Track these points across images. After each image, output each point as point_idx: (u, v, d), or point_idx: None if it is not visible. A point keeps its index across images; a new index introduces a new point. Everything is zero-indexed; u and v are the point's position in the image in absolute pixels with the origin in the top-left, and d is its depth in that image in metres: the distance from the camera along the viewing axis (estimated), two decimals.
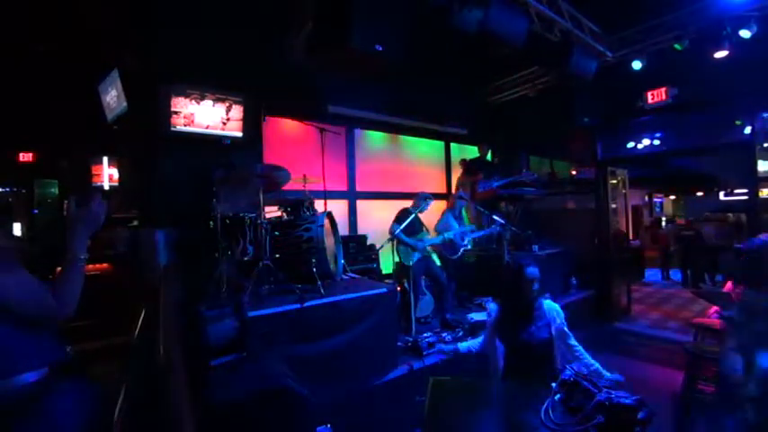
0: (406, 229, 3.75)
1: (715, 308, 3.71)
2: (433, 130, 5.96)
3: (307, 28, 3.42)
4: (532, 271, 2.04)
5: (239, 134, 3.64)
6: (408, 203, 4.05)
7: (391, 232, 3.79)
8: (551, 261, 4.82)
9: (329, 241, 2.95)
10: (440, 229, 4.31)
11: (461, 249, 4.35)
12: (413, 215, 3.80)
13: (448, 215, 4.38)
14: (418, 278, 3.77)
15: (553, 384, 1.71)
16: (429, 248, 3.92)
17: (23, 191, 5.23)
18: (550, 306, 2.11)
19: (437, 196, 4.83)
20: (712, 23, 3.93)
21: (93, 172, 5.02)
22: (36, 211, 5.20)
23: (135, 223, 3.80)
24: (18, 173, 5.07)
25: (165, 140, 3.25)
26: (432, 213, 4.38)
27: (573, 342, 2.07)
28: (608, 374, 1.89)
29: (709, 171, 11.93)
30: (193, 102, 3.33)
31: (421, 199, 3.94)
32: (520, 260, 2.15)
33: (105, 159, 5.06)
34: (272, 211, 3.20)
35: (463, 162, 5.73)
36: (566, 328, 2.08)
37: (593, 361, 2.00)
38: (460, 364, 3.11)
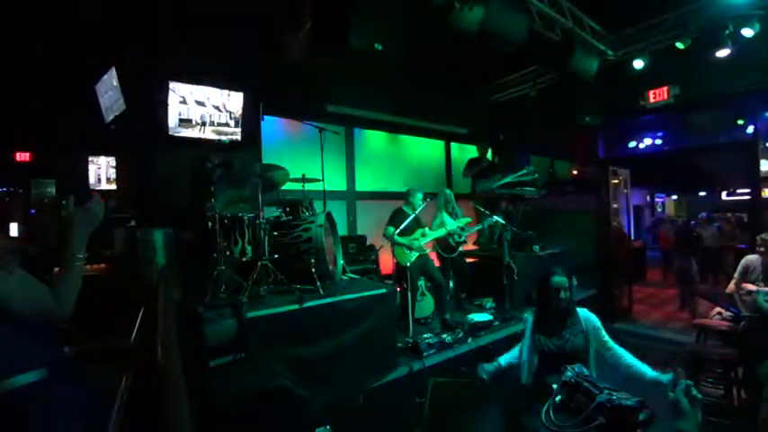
0: (402, 229, 3.72)
1: (717, 308, 3.70)
2: (433, 130, 5.94)
3: (306, 27, 3.41)
4: (558, 280, 2.06)
5: (238, 133, 3.63)
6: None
7: (385, 235, 3.77)
8: (552, 261, 4.80)
9: (328, 241, 2.94)
10: (435, 228, 4.29)
11: (458, 248, 4.34)
12: (412, 216, 3.78)
13: (442, 213, 4.37)
14: (416, 278, 3.76)
15: (554, 385, 1.70)
16: (425, 246, 3.90)
17: (20, 191, 5.22)
18: (586, 315, 2.11)
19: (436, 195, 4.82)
20: (714, 22, 3.90)
21: (91, 172, 5.02)
22: (33, 212, 5.19)
23: (133, 223, 3.80)
24: (15, 173, 5.06)
25: (163, 140, 3.24)
26: (431, 213, 4.37)
27: (616, 355, 2.03)
28: (653, 374, 1.86)
29: (710, 170, 11.92)
30: (192, 101, 3.32)
31: (415, 197, 3.88)
32: (549, 268, 2.17)
33: (103, 159, 5.05)
34: (270, 211, 3.19)
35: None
36: (605, 339, 2.06)
37: (633, 362, 1.97)
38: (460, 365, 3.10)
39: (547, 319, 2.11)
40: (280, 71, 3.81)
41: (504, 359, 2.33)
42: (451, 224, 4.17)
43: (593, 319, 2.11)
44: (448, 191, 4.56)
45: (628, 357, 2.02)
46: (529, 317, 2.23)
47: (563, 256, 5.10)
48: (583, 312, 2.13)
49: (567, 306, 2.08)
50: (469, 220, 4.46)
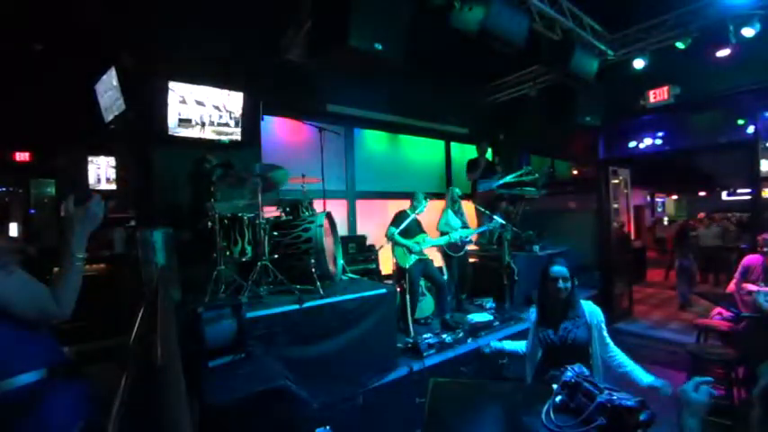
0: (403, 232, 3.73)
1: (718, 309, 3.69)
2: (433, 130, 5.94)
3: (306, 26, 3.41)
4: (557, 269, 2.05)
5: (238, 133, 3.63)
6: (407, 204, 4.04)
7: (387, 236, 3.78)
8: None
9: (328, 241, 2.94)
10: (441, 228, 4.30)
11: (464, 248, 4.34)
12: (410, 217, 3.79)
13: (447, 212, 4.38)
14: (416, 280, 3.76)
15: (554, 386, 1.69)
16: (426, 251, 3.91)
17: (20, 191, 5.23)
18: (591, 308, 2.11)
19: (436, 196, 4.82)
20: (715, 22, 3.90)
21: (91, 172, 5.01)
22: (33, 212, 5.19)
23: (132, 223, 3.80)
24: (14, 172, 5.06)
25: (162, 140, 3.24)
26: (433, 213, 4.37)
27: (611, 351, 2.05)
28: (648, 380, 1.86)
29: (710, 170, 11.92)
30: (191, 101, 3.32)
31: (417, 199, 3.92)
32: (550, 258, 2.19)
33: (103, 159, 5.05)
34: (270, 211, 3.18)
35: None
36: (604, 333, 2.07)
37: (627, 364, 1.99)
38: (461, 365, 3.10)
39: (548, 312, 2.11)
40: (280, 71, 3.81)
41: (509, 345, 2.37)
42: (454, 235, 4.17)
43: (598, 312, 2.10)
44: (457, 189, 4.55)
45: (621, 358, 2.02)
46: (533, 311, 2.24)
47: (564, 255, 5.10)
48: (587, 305, 2.12)
49: (568, 297, 2.07)
50: (472, 231, 4.46)
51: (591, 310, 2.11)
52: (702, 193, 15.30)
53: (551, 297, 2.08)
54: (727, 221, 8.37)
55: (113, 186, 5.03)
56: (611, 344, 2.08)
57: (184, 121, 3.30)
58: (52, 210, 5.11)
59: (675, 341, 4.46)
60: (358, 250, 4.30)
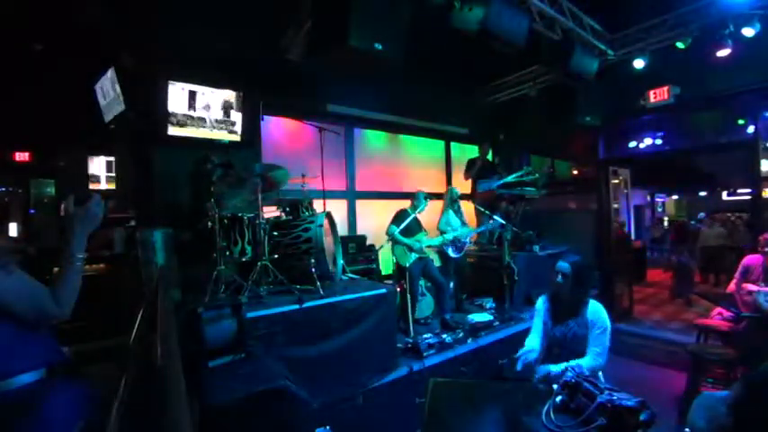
0: (404, 230, 3.74)
1: (718, 309, 3.69)
2: (433, 130, 5.94)
3: (306, 26, 3.41)
4: (559, 264, 2.16)
5: (238, 133, 3.63)
6: (407, 203, 4.04)
7: (388, 233, 3.78)
8: (552, 261, 4.80)
9: (328, 241, 2.94)
10: (442, 227, 4.29)
11: (464, 249, 4.34)
12: (411, 216, 3.79)
13: (447, 211, 4.37)
14: (415, 279, 3.77)
15: (554, 386, 1.70)
16: (427, 249, 3.91)
17: (20, 191, 5.24)
18: (594, 307, 2.13)
19: (436, 196, 4.82)
20: (715, 21, 3.90)
21: (91, 171, 5.02)
22: (33, 211, 5.20)
23: (132, 223, 3.80)
24: (14, 172, 5.07)
25: (162, 140, 3.24)
26: (433, 213, 4.37)
27: (589, 350, 2.04)
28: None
29: (711, 170, 11.92)
30: (191, 100, 3.32)
31: (418, 199, 3.93)
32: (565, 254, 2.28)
33: (103, 159, 5.06)
34: (270, 211, 3.18)
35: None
36: (597, 332, 2.05)
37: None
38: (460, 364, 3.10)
39: (554, 305, 2.20)
40: (280, 71, 3.81)
41: (535, 343, 2.24)
42: (448, 235, 4.16)
43: (600, 312, 2.12)
44: (455, 189, 4.55)
45: (584, 361, 2.00)
46: (541, 300, 2.30)
47: (564, 256, 5.10)
48: (593, 305, 2.15)
49: (573, 295, 2.11)
50: (471, 231, 4.46)
51: (594, 309, 2.13)
52: (702, 193, 15.31)
53: (553, 290, 2.18)
54: (732, 224, 8.33)
55: (113, 186, 5.03)
56: (599, 348, 2.04)
57: (184, 121, 3.30)
58: (52, 210, 5.11)
59: (675, 341, 4.45)
60: (358, 250, 4.29)
